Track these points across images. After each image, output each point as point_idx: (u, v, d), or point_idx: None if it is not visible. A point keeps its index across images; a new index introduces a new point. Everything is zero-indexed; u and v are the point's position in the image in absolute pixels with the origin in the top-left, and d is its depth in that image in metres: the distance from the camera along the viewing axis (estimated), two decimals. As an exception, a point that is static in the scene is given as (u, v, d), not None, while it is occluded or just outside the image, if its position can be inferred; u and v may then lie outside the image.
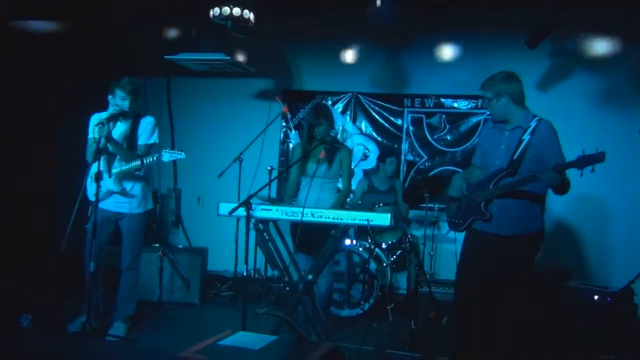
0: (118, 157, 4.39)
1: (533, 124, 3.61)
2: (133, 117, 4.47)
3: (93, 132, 4.21)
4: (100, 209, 4.39)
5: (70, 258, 4.51)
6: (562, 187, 3.49)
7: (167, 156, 4.10)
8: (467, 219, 3.80)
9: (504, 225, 3.64)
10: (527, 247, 3.69)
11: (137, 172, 4.42)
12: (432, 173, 6.64)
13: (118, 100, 4.30)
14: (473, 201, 3.75)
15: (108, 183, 4.36)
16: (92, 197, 4.35)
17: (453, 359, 3.97)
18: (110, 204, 4.45)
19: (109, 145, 4.22)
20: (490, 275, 3.66)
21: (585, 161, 3.24)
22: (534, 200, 3.66)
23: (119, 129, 4.43)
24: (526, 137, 3.59)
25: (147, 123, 4.47)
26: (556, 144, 3.58)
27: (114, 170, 4.35)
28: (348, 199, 6.09)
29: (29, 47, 5.57)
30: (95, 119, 4.27)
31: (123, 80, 4.33)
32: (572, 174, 3.50)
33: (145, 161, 4.19)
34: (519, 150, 3.59)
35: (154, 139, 4.49)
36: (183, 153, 4.11)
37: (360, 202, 6.14)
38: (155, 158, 4.16)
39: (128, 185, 4.44)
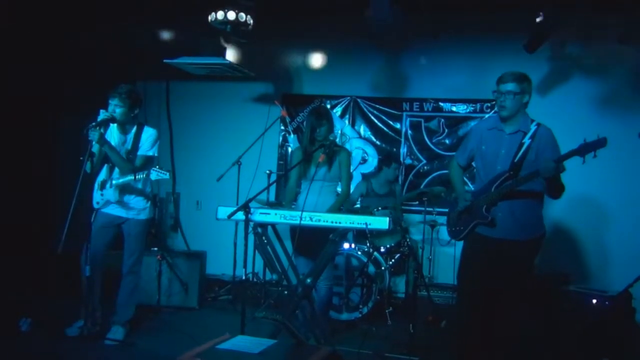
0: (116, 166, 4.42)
1: (533, 127, 3.63)
2: (137, 126, 4.49)
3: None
4: (102, 213, 4.47)
5: (69, 262, 4.52)
6: (556, 183, 3.49)
7: (154, 174, 4.14)
8: (468, 224, 3.80)
9: (513, 230, 3.64)
10: (532, 250, 3.72)
11: (136, 184, 4.44)
12: (429, 177, 6.64)
13: (110, 107, 4.33)
14: (475, 206, 3.75)
15: (108, 193, 4.40)
16: (95, 205, 4.48)
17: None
18: (113, 209, 4.47)
19: (104, 149, 4.25)
20: (495, 278, 3.66)
21: (587, 148, 3.26)
22: (536, 201, 3.67)
23: (117, 137, 4.45)
24: (527, 141, 3.60)
25: (149, 135, 4.49)
26: (556, 147, 3.59)
27: (114, 182, 4.38)
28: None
29: (30, 49, 5.58)
30: (102, 114, 4.28)
31: (119, 87, 4.36)
32: (572, 175, 3.52)
33: (137, 176, 4.22)
34: (520, 154, 3.60)
35: (153, 151, 4.51)
36: (168, 174, 4.17)
37: (357, 205, 6.14)
38: (144, 175, 4.20)
39: (127, 198, 4.47)
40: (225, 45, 5.95)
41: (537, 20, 5.13)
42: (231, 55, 6.01)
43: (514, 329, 3.66)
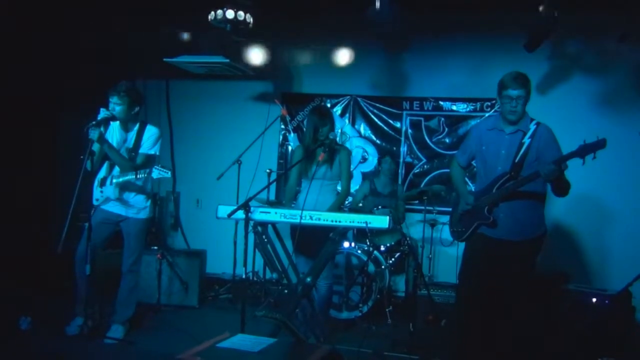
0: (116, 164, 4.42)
1: (532, 127, 3.62)
2: (139, 125, 4.50)
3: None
4: (101, 210, 4.48)
5: (69, 261, 4.51)
6: (561, 184, 3.49)
7: (156, 173, 4.14)
8: (470, 225, 3.80)
9: (514, 230, 3.64)
10: (534, 250, 3.71)
11: (136, 182, 4.44)
12: (429, 176, 6.65)
13: (110, 104, 4.34)
14: (476, 207, 3.75)
15: (108, 190, 4.41)
16: (94, 201, 4.49)
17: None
18: (112, 206, 4.47)
19: (104, 148, 4.25)
20: (496, 278, 3.66)
21: (586, 149, 3.25)
22: (538, 202, 3.66)
23: (119, 134, 4.46)
24: (527, 140, 3.59)
25: (151, 133, 4.49)
26: (556, 145, 3.59)
27: (114, 180, 4.38)
28: (347, 202, 6.09)
29: (29, 48, 5.58)
30: (103, 112, 4.28)
31: (118, 85, 4.36)
32: (572, 174, 3.52)
33: (138, 175, 4.22)
34: (520, 154, 3.59)
35: (155, 150, 4.51)
36: (169, 172, 4.17)
37: (360, 204, 6.14)
38: (146, 173, 4.19)
39: (128, 196, 4.47)
40: (225, 43, 5.95)
41: (540, 9, 5.07)
42: (231, 53, 6.00)
43: (515, 329, 3.66)
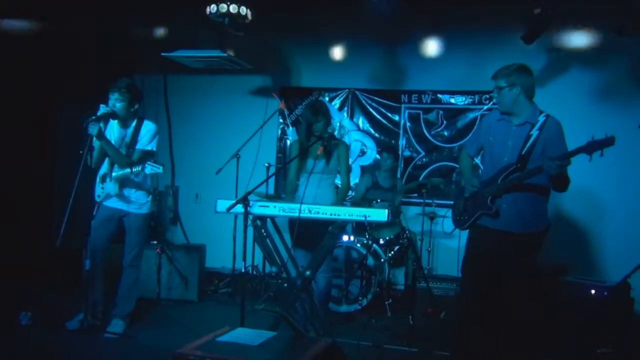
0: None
1: (541, 119, 3.59)
2: (136, 120, 4.49)
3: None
4: (104, 207, 4.49)
5: (69, 256, 4.51)
6: (561, 179, 3.48)
7: (149, 168, 4.16)
8: (473, 214, 3.79)
9: (515, 222, 3.62)
10: (536, 244, 3.68)
11: (135, 179, 4.45)
12: (428, 169, 6.65)
13: (111, 101, 4.33)
14: (480, 196, 3.75)
15: (108, 186, 4.42)
16: (96, 198, 4.51)
17: (454, 355, 3.99)
18: (114, 202, 4.48)
19: (102, 144, 4.25)
20: (498, 271, 3.66)
21: (594, 146, 3.24)
22: (541, 195, 3.65)
23: (118, 132, 4.45)
24: (534, 133, 3.57)
25: (148, 129, 4.48)
26: (562, 141, 3.56)
27: (113, 174, 4.38)
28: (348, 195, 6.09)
29: (28, 45, 5.56)
30: (103, 108, 4.27)
31: (119, 82, 4.35)
32: (571, 166, 3.52)
33: (133, 169, 4.23)
34: (527, 146, 3.56)
35: (152, 146, 4.50)
36: (161, 167, 4.18)
37: (363, 198, 6.14)
38: (140, 168, 4.21)
39: (129, 192, 4.49)
40: (223, 37, 5.93)
41: (535, 12, 5.11)
42: (229, 48, 5.99)
43: (515, 321, 3.66)
